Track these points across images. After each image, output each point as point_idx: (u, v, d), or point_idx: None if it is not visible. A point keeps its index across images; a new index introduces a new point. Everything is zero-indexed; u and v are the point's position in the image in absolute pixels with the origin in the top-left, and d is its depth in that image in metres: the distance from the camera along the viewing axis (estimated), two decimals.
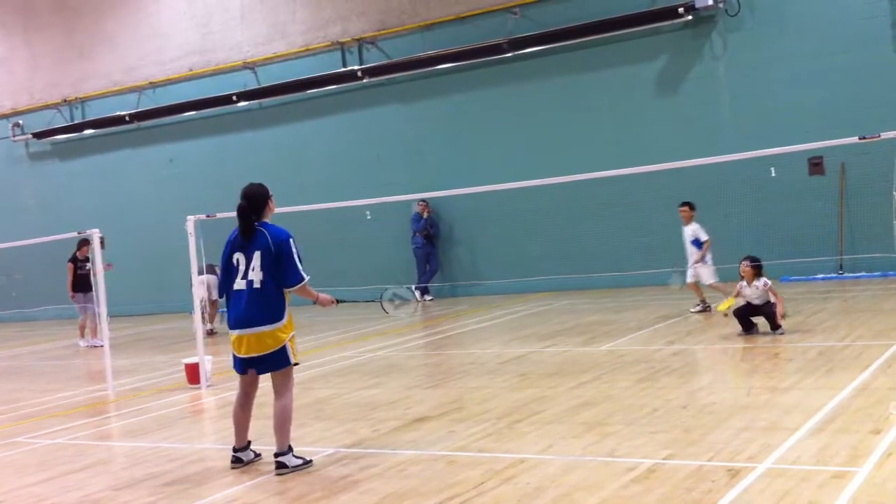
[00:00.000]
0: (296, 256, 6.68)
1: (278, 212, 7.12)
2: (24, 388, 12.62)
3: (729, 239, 15.22)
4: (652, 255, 16.23)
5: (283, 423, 6.64)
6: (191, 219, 10.95)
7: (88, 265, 16.84)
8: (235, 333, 6.71)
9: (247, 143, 22.30)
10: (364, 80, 20.55)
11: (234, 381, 7.11)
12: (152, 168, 23.76)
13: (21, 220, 24.59)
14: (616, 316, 13.98)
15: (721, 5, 17.08)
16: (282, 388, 6.72)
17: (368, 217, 20.10)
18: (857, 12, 16.16)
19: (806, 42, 16.58)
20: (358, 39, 20.82)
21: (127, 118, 23.71)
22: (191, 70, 23.10)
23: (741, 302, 10.95)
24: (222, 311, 16.01)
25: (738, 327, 10.90)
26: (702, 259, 13.17)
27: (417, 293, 19.34)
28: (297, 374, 7.13)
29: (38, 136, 25.23)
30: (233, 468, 6.82)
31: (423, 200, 19.30)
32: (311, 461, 6.72)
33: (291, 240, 6.74)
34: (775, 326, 10.60)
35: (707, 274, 13.20)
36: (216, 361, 11.67)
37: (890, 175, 15.22)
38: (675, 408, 7.47)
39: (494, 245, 19.48)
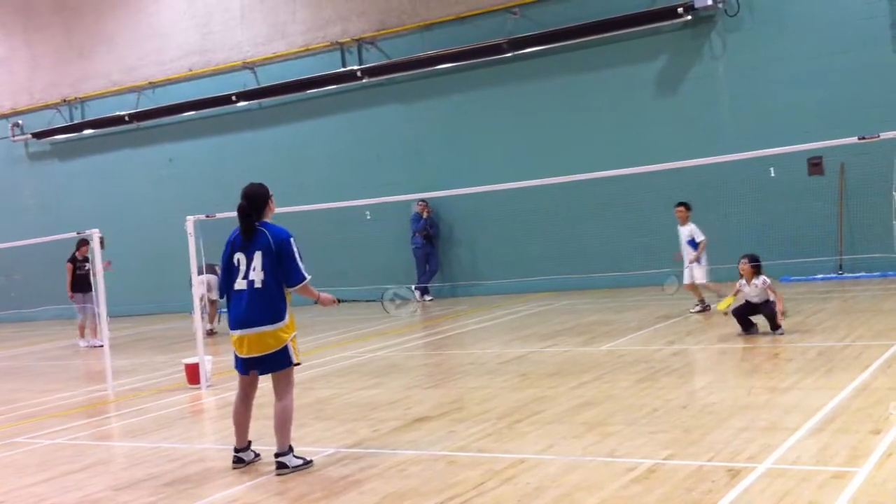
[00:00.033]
0: (297, 256, 6.68)
1: (278, 212, 7.12)
2: (24, 388, 12.62)
3: (729, 239, 15.22)
4: (652, 255, 16.21)
5: (283, 424, 6.64)
6: (190, 219, 10.95)
7: (87, 265, 16.85)
8: (237, 334, 6.71)
9: (246, 144, 22.31)
10: (364, 81, 20.55)
11: (235, 382, 7.11)
12: (152, 168, 23.77)
13: (20, 220, 24.59)
14: (616, 316, 13.99)
15: (720, 5, 17.09)
16: (282, 389, 6.72)
17: (368, 217, 20.10)
18: (856, 12, 16.17)
19: (805, 42, 16.59)
20: (358, 39, 20.82)
21: (126, 118, 23.72)
22: (190, 70, 23.10)
23: (741, 301, 10.95)
24: (222, 312, 16.02)
25: (738, 327, 10.90)
26: (697, 259, 13.18)
27: (417, 293, 19.36)
28: (298, 374, 7.14)
29: (38, 136, 25.23)
30: (234, 468, 6.82)
31: (423, 200, 19.31)
32: (311, 461, 6.73)
33: (292, 239, 6.74)
34: (775, 326, 10.60)
35: (700, 274, 13.21)
36: (216, 362, 11.68)
37: (889, 175, 15.22)
38: (675, 408, 7.47)
39: (494, 245, 19.48)
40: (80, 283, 16.99)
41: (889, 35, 16.00)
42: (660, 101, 17.92)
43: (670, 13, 17.35)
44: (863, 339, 9.92)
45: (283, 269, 6.66)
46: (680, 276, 13.35)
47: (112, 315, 12.11)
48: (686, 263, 13.33)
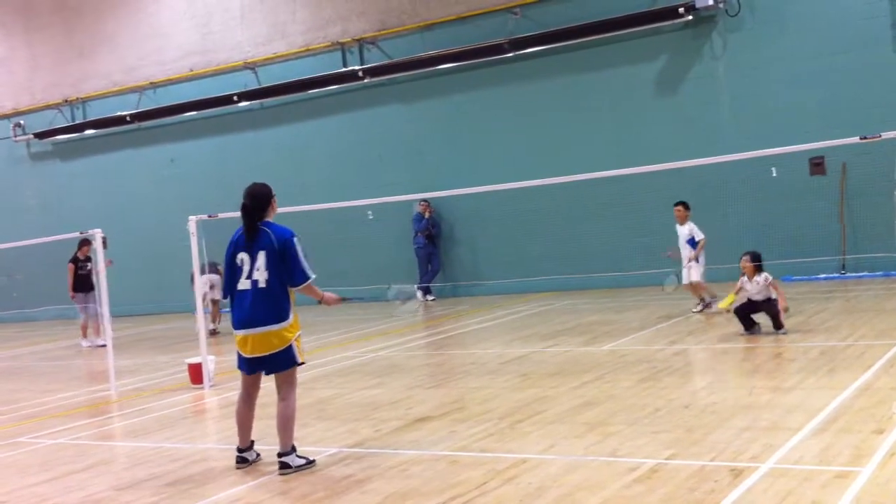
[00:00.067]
0: (301, 255, 6.69)
1: (280, 212, 7.11)
2: (26, 388, 12.63)
3: (730, 239, 15.21)
4: (652, 255, 16.20)
5: (286, 423, 6.64)
6: (193, 219, 10.95)
7: (89, 265, 16.86)
8: (241, 334, 6.71)
9: (248, 144, 22.32)
10: (365, 81, 20.56)
11: (237, 381, 7.11)
12: (153, 168, 23.78)
13: (22, 221, 24.61)
14: (617, 316, 13.99)
15: (721, 5, 17.08)
16: (285, 389, 6.73)
17: (370, 217, 20.11)
18: (857, 12, 16.16)
19: (806, 42, 16.58)
20: (358, 39, 20.83)
21: (128, 118, 23.73)
22: (191, 70, 23.11)
23: (742, 299, 10.94)
24: (225, 311, 16.02)
25: (740, 326, 10.90)
26: (696, 258, 13.18)
27: (419, 293, 19.37)
28: (300, 375, 7.13)
29: (40, 136, 25.25)
30: (238, 468, 6.82)
31: (425, 200, 19.31)
32: (313, 461, 6.73)
33: (296, 238, 6.74)
34: (778, 326, 10.60)
35: (696, 273, 13.20)
36: (219, 361, 11.67)
37: (891, 175, 15.22)
38: (677, 408, 7.48)
39: (495, 245, 19.49)
40: (82, 283, 17.02)
41: (890, 35, 15.99)
42: (660, 101, 17.92)
43: (671, 13, 17.35)
44: (865, 338, 9.92)
45: (287, 269, 6.66)
46: (679, 275, 13.37)
47: (114, 315, 12.11)
48: (685, 263, 13.33)
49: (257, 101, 22.14)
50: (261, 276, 6.65)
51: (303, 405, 8.40)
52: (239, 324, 6.71)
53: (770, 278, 10.77)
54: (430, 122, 20.17)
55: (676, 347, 10.62)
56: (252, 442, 6.93)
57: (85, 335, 17.24)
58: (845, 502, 4.89)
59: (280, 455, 6.63)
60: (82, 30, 24.76)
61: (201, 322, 11.18)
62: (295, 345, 6.70)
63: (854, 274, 16.05)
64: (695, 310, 13.25)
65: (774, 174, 16.46)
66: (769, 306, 10.68)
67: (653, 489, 5.42)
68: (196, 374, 10.89)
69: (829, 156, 15.93)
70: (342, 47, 21.01)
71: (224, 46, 22.63)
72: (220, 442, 7.97)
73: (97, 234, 11.52)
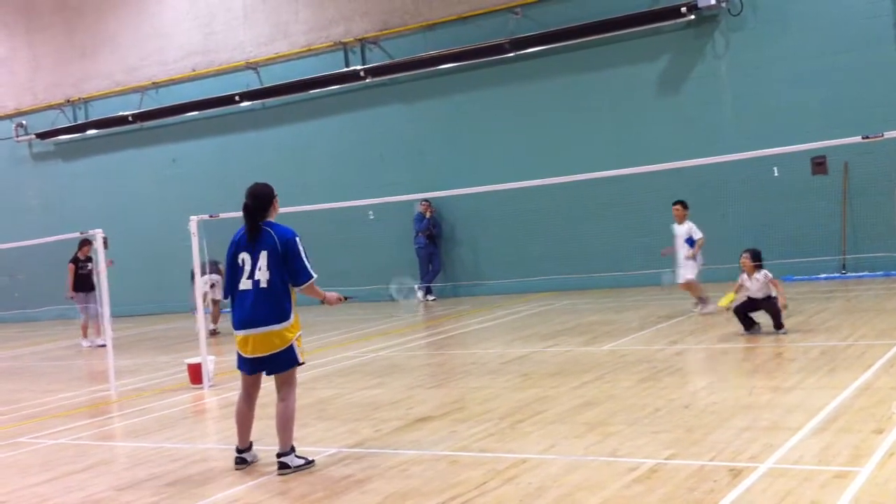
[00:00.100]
0: (303, 255, 6.69)
1: (282, 212, 7.12)
2: (27, 388, 12.64)
3: (731, 239, 15.19)
4: (652, 255, 16.18)
5: (285, 424, 6.64)
6: (194, 219, 10.96)
7: (90, 265, 16.88)
8: (241, 334, 6.70)
9: (250, 144, 22.33)
10: (366, 80, 20.56)
11: (237, 382, 7.11)
12: (155, 168, 23.80)
13: (24, 221, 24.63)
14: (617, 316, 13.98)
15: (724, 5, 17.07)
16: (285, 389, 6.73)
17: (371, 217, 20.12)
18: (859, 12, 16.14)
19: (808, 41, 16.57)
20: (360, 39, 20.83)
21: (130, 118, 23.75)
22: (193, 70, 23.13)
23: (742, 297, 10.93)
24: (225, 312, 16.02)
25: (740, 326, 10.88)
26: (693, 256, 13.17)
27: (419, 293, 19.37)
28: (300, 374, 7.13)
29: (42, 136, 25.27)
30: (237, 469, 6.82)
31: (426, 200, 19.32)
32: (313, 461, 6.73)
33: (298, 238, 6.74)
34: (778, 325, 10.59)
35: (691, 271, 13.16)
36: (219, 361, 11.68)
37: (893, 174, 15.26)
38: (677, 407, 7.47)
39: (496, 245, 19.49)
40: (83, 283, 17.03)
41: (892, 34, 15.98)
42: (662, 100, 17.91)
43: (673, 12, 17.33)
44: (866, 338, 9.91)
45: (289, 269, 6.66)
46: (673, 273, 13.36)
47: (114, 315, 12.13)
48: (681, 261, 13.30)
49: (259, 101, 22.15)
50: (262, 276, 6.64)
51: (303, 405, 8.41)
52: (240, 324, 6.71)
53: (770, 275, 10.76)
54: (431, 121, 20.17)
55: (677, 347, 10.62)
56: (251, 443, 6.93)
57: (85, 335, 17.25)
58: (844, 502, 4.88)
59: (279, 455, 6.63)
60: (84, 30, 24.79)
61: (201, 322, 11.19)
62: (296, 345, 6.70)
63: (854, 274, 16.03)
64: (695, 310, 13.23)
65: (776, 174, 16.45)
66: (769, 305, 10.68)
67: (652, 489, 5.41)
68: (196, 374, 10.90)
69: (830, 155, 15.92)
70: (344, 47, 21.02)
71: (226, 46, 22.65)
72: (220, 442, 7.97)
73: (98, 235, 11.52)
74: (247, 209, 6.78)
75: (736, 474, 5.52)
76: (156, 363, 13.84)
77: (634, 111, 18.05)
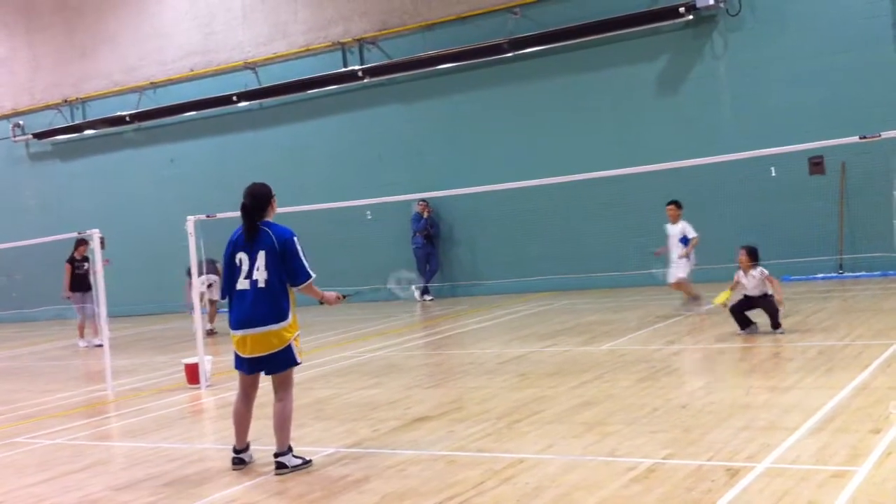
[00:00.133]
0: (301, 254, 6.69)
1: (279, 212, 7.11)
2: (24, 388, 12.63)
3: (728, 239, 15.17)
4: (651, 255, 16.22)
5: (283, 424, 6.63)
6: (191, 219, 10.95)
7: (86, 264, 16.86)
8: (239, 334, 6.69)
9: (248, 144, 22.32)
10: (365, 81, 20.56)
11: (234, 382, 7.10)
12: (153, 168, 23.78)
13: (22, 221, 24.61)
14: (616, 316, 13.98)
15: (722, 5, 17.08)
16: (282, 389, 6.72)
17: (369, 217, 20.11)
18: (858, 12, 16.15)
19: (807, 42, 16.58)
20: (359, 39, 20.83)
21: (128, 118, 23.74)
22: (192, 70, 23.12)
23: (739, 295, 10.93)
24: (222, 312, 16.01)
25: (737, 326, 10.87)
26: (687, 255, 13.17)
27: (417, 292, 19.37)
28: (297, 375, 7.13)
29: (39, 136, 25.25)
30: (234, 469, 6.80)
31: (424, 200, 19.31)
32: (310, 461, 6.72)
33: (296, 238, 6.74)
34: (776, 325, 10.59)
35: (683, 270, 13.16)
36: (216, 361, 11.68)
37: (890, 174, 15.23)
38: (674, 407, 7.47)
39: (494, 245, 19.49)
40: (79, 283, 17.01)
41: (891, 34, 15.99)
42: (660, 100, 17.92)
43: (671, 13, 17.34)
44: (863, 338, 9.92)
45: (287, 269, 6.65)
46: (666, 272, 13.39)
47: (112, 315, 12.11)
48: (674, 260, 13.30)
49: (257, 102, 22.14)
50: (260, 275, 6.63)
51: (300, 405, 8.40)
52: (237, 324, 6.69)
53: (766, 272, 10.76)
54: (429, 122, 20.17)
55: (674, 347, 10.62)
56: (248, 444, 6.92)
57: (82, 335, 17.24)
58: (842, 502, 4.88)
59: (277, 455, 6.62)
60: (83, 30, 24.77)
61: (198, 322, 11.17)
62: (294, 345, 6.69)
63: (852, 274, 16.04)
64: (684, 310, 13.19)
65: (773, 174, 16.45)
66: (766, 303, 10.67)
67: (650, 489, 5.41)
68: (193, 374, 10.89)
69: (828, 155, 15.92)
70: (342, 47, 21.02)
71: (225, 46, 22.64)
72: (217, 442, 7.97)
73: (95, 235, 11.51)
74: (245, 209, 6.77)
75: (733, 474, 5.52)
76: (153, 363, 13.83)
77: (633, 111, 18.06)
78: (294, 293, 6.78)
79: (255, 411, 7.01)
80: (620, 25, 17.84)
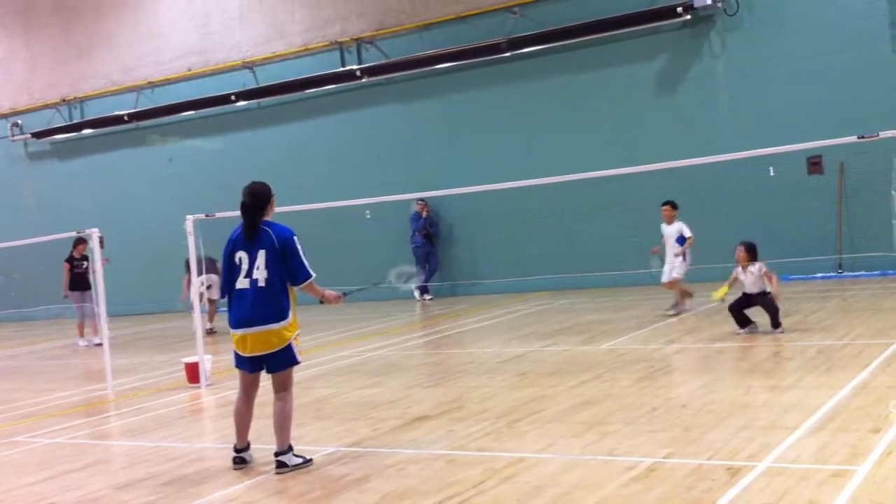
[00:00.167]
0: (301, 253, 6.69)
1: (277, 211, 7.11)
2: (23, 387, 12.62)
3: (726, 239, 15.11)
4: (650, 255, 16.23)
5: (283, 423, 6.63)
6: (190, 218, 10.94)
7: (85, 263, 16.85)
8: (239, 333, 6.68)
9: (246, 143, 22.30)
10: (363, 80, 20.56)
11: (234, 381, 7.10)
12: (151, 168, 23.77)
13: (20, 220, 24.58)
14: (615, 315, 13.99)
15: (720, 5, 17.09)
16: (282, 388, 6.72)
17: (368, 216, 20.10)
18: (855, 12, 16.17)
19: (805, 41, 16.59)
20: (357, 39, 20.82)
21: (126, 118, 23.72)
22: (189, 70, 23.10)
23: (737, 293, 10.92)
24: (221, 311, 16.00)
25: (737, 325, 10.88)
26: (682, 254, 13.17)
27: (417, 292, 19.37)
28: (297, 374, 7.13)
29: (37, 135, 25.23)
30: (235, 468, 6.80)
31: (423, 200, 19.31)
32: (310, 460, 6.72)
33: (296, 237, 6.74)
34: (776, 325, 10.60)
35: (679, 270, 13.16)
36: (216, 361, 11.68)
37: (889, 174, 15.19)
38: (674, 406, 7.48)
39: (493, 244, 19.49)
40: (78, 282, 17.00)
41: (888, 34, 16.00)
42: (659, 100, 17.93)
43: (669, 13, 17.35)
44: (862, 337, 9.93)
45: (287, 268, 6.65)
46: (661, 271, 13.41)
47: (111, 314, 12.10)
48: (670, 259, 13.29)
49: (255, 101, 22.13)
50: (260, 274, 6.63)
51: (300, 404, 8.40)
52: (237, 323, 6.69)
53: (764, 268, 10.77)
54: (427, 121, 20.16)
55: (674, 346, 10.63)
56: (249, 443, 6.92)
57: (82, 334, 17.23)
58: (842, 501, 4.89)
59: (277, 454, 6.62)
60: (81, 30, 24.75)
61: (198, 321, 11.16)
62: (294, 344, 6.69)
63: (851, 273, 16.05)
64: (668, 312, 13.17)
65: (772, 173, 16.45)
66: (765, 301, 10.68)
67: (650, 488, 5.41)
68: (193, 373, 10.89)
69: (826, 155, 15.93)
70: (340, 47, 21.01)
71: (222, 46, 22.63)
72: (217, 441, 7.97)
73: (94, 234, 11.50)
74: (245, 207, 6.76)
75: (733, 473, 5.53)
76: (153, 362, 13.82)
77: (631, 111, 18.06)
78: (295, 292, 6.78)
79: (256, 410, 7.01)
80: (618, 25, 17.85)
